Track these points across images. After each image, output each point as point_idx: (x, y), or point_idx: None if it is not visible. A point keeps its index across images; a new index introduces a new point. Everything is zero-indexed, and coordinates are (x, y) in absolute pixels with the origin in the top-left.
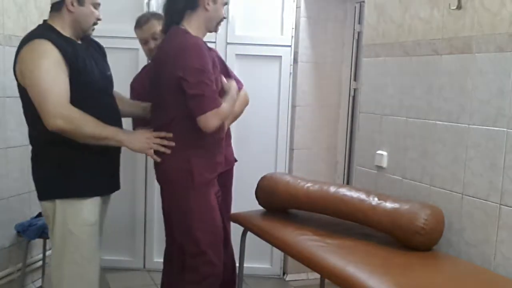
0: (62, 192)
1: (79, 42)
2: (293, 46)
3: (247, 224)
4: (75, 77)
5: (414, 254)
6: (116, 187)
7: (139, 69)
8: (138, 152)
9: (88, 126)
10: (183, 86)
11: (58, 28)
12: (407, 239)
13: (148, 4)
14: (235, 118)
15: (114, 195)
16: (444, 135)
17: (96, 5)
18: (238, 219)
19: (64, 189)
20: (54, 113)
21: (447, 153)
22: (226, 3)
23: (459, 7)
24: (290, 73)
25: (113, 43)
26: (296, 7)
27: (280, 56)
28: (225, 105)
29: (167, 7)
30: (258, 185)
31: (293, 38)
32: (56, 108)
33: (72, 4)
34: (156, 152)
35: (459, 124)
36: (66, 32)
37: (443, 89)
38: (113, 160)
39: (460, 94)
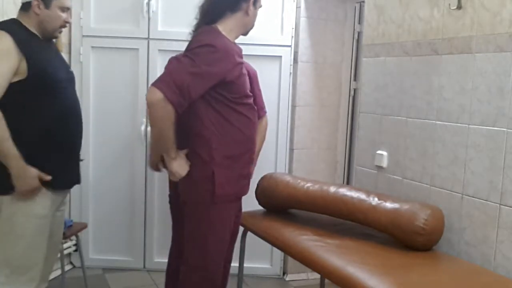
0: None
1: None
2: (293, 46)
3: (247, 224)
4: (33, 69)
5: (414, 254)
6: (72, 182)
7: (139, 69)
8: (19, 191)
9: None
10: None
11: (26, 25)
12: (407, 239)
13: (148, 4)
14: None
15: (114, 196)
16: (444, 135)
17: (64, 9)
18: None
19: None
20: None
21: (447, 153)
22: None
23: (459, 7)
24: (290, 73)
25: (113, 43)
26: (296, 7)
27: (280, 56)
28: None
29: (207, 6)
30: (258, 185)
31: (293, 38)
32: None
33: (39, 7)
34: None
35: (459, 124)
36: (34, 30)
37: (443, 89)
38: (68, 156)
39: (460, 94)
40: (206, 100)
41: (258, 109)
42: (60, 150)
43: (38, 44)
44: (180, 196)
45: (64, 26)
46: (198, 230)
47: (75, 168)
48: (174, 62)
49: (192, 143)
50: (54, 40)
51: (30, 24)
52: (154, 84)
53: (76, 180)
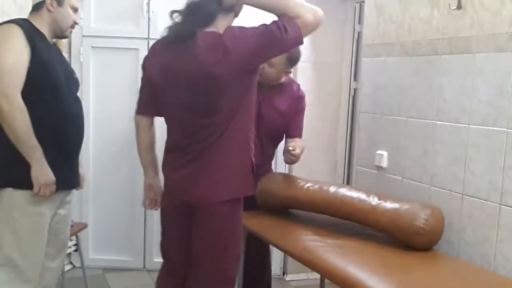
0: (15, 182)
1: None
2: None
3: (247, 224)
4: (34, 67)
5: (414, 254)
6: (69, 185)
7: (139, 69)
8: (37, 182)
9: (21, 123)
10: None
11: (37, 25)
12: (407, 239)
13: (148, 4)
14: None
15: (114, 196)
16: (444, 135)
17: (75, 9)
18: None
19: (17, 178)
20: (3, 91)
21: (447, 153)
22: None
23: (459, 7)
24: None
25: (113, 43)
26: None
27: None
28: None
29: (204, 6)
30: (258, 185)
31: None
32: (6, 87)
33: (52, 5)
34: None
35: (459, 124)
36: (44, 31)
37: (443, 89)
38: (65, 158)
39: (460, 94)
40: (242, 90)
41: None
42: (56, 152)
43: (45, 45)
44: (192, 198)
45: (73, 27)
46: (221, 231)
47: (73, 171)
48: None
49: (241, 138)
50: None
51: (41, 24)
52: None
53: (74, 183)
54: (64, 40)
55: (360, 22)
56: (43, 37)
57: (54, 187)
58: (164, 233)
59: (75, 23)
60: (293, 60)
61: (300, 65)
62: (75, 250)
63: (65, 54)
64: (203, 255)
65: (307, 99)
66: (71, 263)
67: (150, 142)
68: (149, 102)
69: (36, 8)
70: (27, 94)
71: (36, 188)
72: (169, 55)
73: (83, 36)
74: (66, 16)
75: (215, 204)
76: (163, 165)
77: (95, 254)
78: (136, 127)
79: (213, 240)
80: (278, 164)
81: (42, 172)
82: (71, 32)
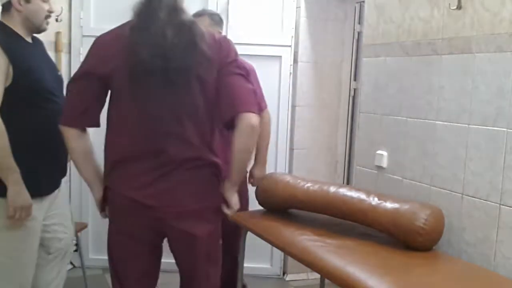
0: (3, 191)
1: (30, 41)
2: (293, 46)
3: (247, 224)
4: (19, 75)
5: (414, 254)
6: (55, 187)
7: None
8: (12, 205)
9: None
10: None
11: (11, 25)
12: (407, 239)
13: None
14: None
15: None
16: (444, 135)
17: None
18: (237, 219)
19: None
20: None
21: (447, 153)
22: None
23: (459, 7)
24: (290, 73)
25: None
26: (296, 7)
27: (280, 56)
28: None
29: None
30: (258, 185)
31: (293, 38)
32: None
33: (19, 3)
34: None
35: (459, 124)
36: (18, 30)
37: (443, 89)
38: (56, 161)
39: (460, 94)
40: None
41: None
42: (52, 156)
43: (24, 48)
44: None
45: (49, 17)
46: (217, 242)
47: (59, 173)
48: (245, 83)
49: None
50: (44, 40)
51: (14, 24)
52: (252, 111)
53: (56, 185)
54: (64, 40)
55: (360, 22)
56: (20, 38)
57: (31, 210)
58: (123, 276)
59: (50, 12)
60: (217, 19)
61: (300, 65)
62: (75, 250)
63: (65, 54)
64: (205, 274)
65: (308, 99)
66: (71, 263)
67: (87, 148)
68: (87, 111)
69: (5, 8)
70: (17, 104)
71: (11, 211)
72: (139, 51)
73: (83, 36)
74: (37, 10)
75: (212, 211)
76: (119, 181)
77: (95, 254)
78: (66, 138)
79: (208, 258)
80: (278, 164)
81: (19, 194)
82: (48, 23)
